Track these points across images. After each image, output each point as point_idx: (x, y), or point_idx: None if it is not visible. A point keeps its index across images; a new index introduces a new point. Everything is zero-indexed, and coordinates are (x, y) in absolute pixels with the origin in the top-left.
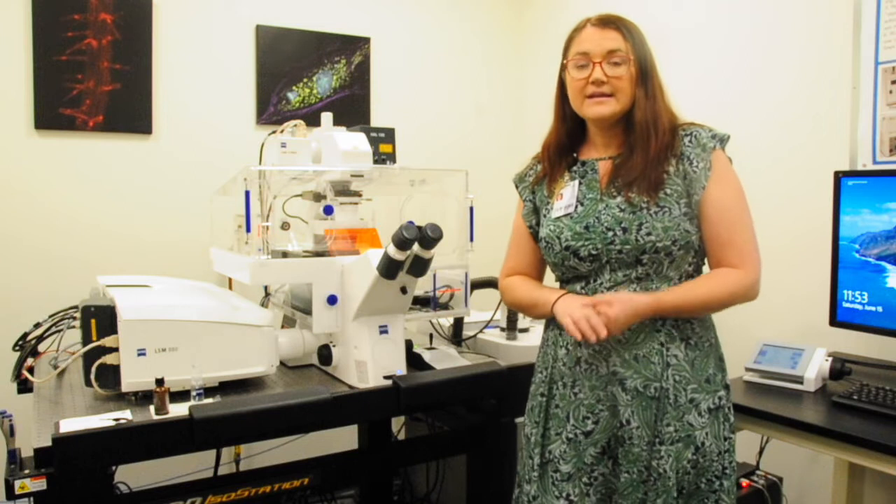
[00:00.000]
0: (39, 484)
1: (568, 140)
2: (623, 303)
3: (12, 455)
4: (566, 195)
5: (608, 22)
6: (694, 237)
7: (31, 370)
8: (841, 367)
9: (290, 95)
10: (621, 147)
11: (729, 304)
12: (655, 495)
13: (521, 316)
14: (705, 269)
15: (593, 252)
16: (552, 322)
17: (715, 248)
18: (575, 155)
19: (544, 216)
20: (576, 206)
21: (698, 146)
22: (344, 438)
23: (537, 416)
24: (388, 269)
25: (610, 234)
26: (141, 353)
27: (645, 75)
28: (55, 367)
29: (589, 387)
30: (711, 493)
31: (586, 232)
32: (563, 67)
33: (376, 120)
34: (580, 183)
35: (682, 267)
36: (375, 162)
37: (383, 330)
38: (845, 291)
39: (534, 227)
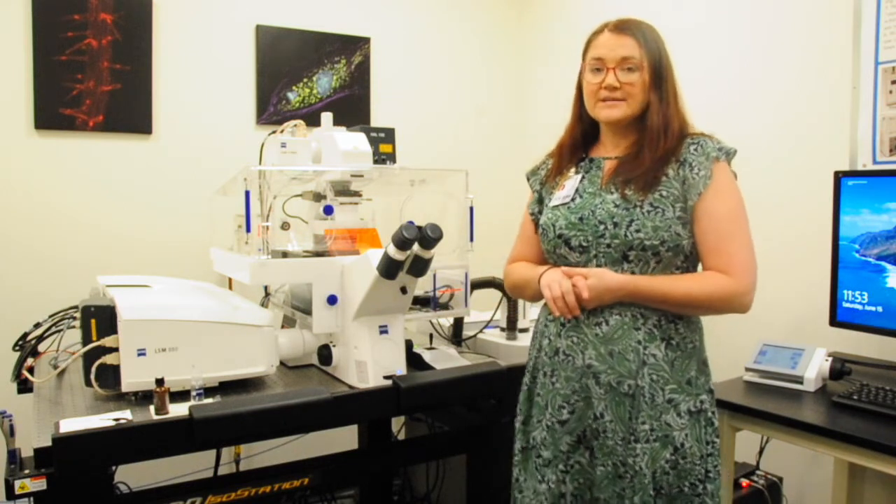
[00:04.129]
0: (39, 484)
1: (582, 139)
2: (597, 276)
3: (12, 455)
4: (567, 186)
5: (624, 28)
6: (685, 241)
7: (31, 370)
8: (841, 367)
9: (290, 95)
10: (630, 148)
11: (710, 306)
12: (632, 492)
13: (521, 316)
14: None
15: (584, 243)
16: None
17: (705, 255)
18: (585, 153)
19: (546, 206)
20: (574, 198)
21: (702, 154)
22: (344, 438)
23: (522, 402)
24: (388, 269)
25: (601, 227)
26: (141, 353)
27: (659, 80)
28: (55, 367)
29: (565, 377)
30: (696, 497)
31: (580, 223)
32: (582, 70)
33: (376, 120)
34: (583, 178)
35: (670, 269)
36: (375, 162)
37: (383, 330)
38: (845, 291)
39: (536, 216)
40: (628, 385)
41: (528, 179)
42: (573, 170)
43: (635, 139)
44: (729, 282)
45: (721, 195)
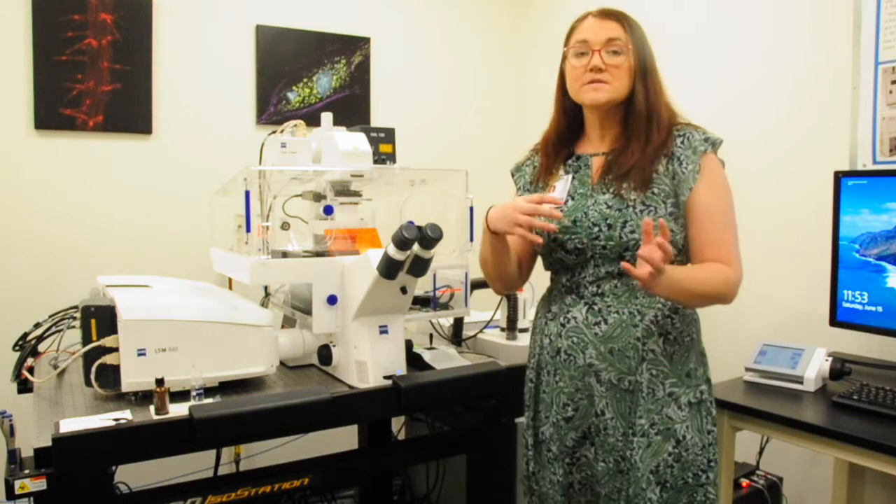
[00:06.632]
0: (39, 484)
1: (567, 133)
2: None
3: (12, 455)
4: (558, 188)
5: (609, 14)
6: (678, 236)
7: (31, 370)
8: (841, 367)
9: (290, 95)
10: (616, 143)
11: (717, 296)
12: (627, 484)
13: (520, 315)
14: None
15: (579, 246)
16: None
17: (701, 247)
18: (572, 149)
19: None
20: (567, 201)
21: (689, 148)
22: (344, 438)
23: (528, 399)
24: (388, 269)
25: (595, 229)
26: (141, 353)
27: (644, 69)
28: (55, 367)
29: (568, 376)
30: (699, 487)
31: (573, 226)
32: (564, 57)
33: (376, 120)
34: (573, 178)
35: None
36: (375, 162)
37: (383, 330)
38: (845, 291)
39: None
40: (628, 381)
41: (513, 176)
42: (562, 170)
43: (620, 131)
44: (733, 273)
45: (715, 189)
